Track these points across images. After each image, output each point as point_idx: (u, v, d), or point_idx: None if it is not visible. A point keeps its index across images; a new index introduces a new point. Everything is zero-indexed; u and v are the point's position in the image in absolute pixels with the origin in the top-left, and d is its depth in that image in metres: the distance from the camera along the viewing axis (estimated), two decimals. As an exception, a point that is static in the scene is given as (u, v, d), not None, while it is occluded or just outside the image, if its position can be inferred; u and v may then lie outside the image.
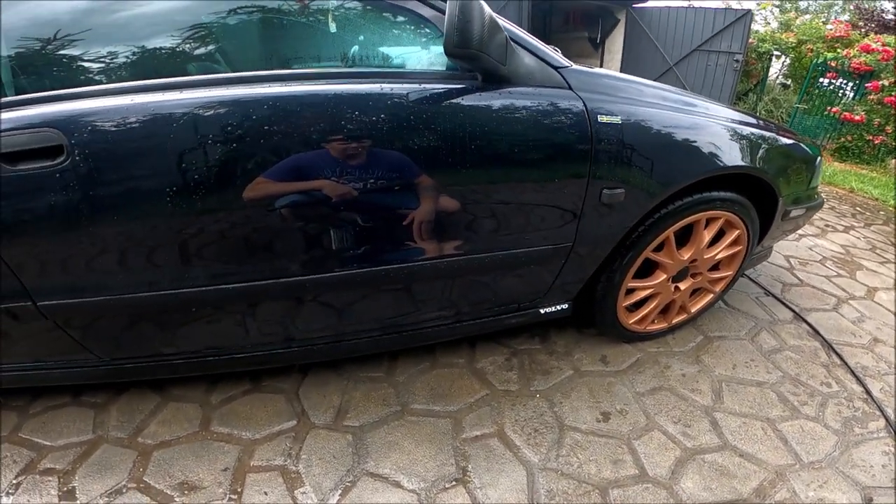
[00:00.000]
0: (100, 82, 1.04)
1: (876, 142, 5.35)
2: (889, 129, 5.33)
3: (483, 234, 1.24)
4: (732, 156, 1.43)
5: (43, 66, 1.03)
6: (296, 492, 1.21)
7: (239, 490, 1.21)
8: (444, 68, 1.20)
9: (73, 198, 0.95)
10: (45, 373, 1.25)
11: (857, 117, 5.47)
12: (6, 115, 0.92)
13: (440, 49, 1.08)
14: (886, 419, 1.54)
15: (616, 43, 8.76)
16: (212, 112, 0.97)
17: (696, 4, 8.23)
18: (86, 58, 1.05)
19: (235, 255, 1.10)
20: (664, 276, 1.59)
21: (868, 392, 1.65)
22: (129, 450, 1.32)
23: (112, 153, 0.95)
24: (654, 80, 1.57)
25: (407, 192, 1.12)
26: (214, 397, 1.49)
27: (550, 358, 1.72)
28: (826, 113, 5.92)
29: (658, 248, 1.52)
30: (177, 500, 1.19)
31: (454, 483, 1.25)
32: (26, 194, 0.94)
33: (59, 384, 1.38)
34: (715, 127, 1.42)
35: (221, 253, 1.09)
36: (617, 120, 1.23)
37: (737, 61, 6.89)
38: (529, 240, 1.29)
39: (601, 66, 9.21)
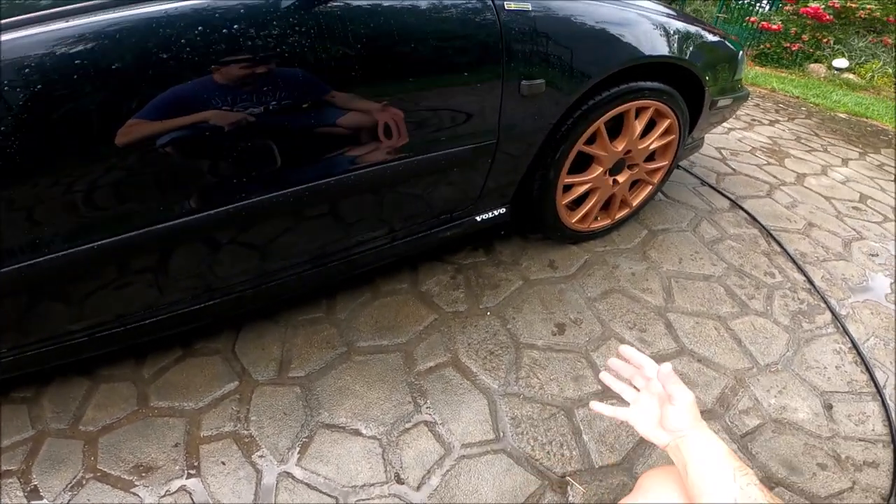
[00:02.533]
0: None
1: (794, 49, 5.55)
2: (805, 37, 5.55)
3: (401, 138, 1.13)
4: (657, 46, 1.42)
5: None
6: (253, 456, 1.12)
7: (196, 464, 1.11)
8: None
9: None
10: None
11: (775, 26, 5.66)
12: None
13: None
14: (831, 311, 1.56)
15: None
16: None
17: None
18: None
19: (119, 199, 0.92)
20: (600, 169, 1.55)
21: (810, 281, 1.68)
22: (75, 440, 1.18)
23: None
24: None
25: (316, 102, 0.98)
26: (146, 371, 1.34)
27: (497, 270, 1.66)
28: (745, 23, 6.09)
29: (590, 141, 1.48)
30: (137, 483, 1.08)
31: (415, 423, 1.18)
32: None
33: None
34: (640, 18, 1.40)
35: (100, 200, 0.90)
36: (526, 6, 1.15)
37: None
38: (449, 141, 1.20)
39: None
